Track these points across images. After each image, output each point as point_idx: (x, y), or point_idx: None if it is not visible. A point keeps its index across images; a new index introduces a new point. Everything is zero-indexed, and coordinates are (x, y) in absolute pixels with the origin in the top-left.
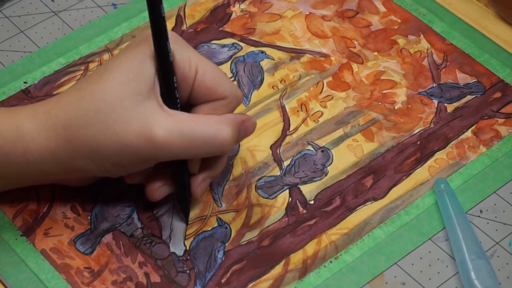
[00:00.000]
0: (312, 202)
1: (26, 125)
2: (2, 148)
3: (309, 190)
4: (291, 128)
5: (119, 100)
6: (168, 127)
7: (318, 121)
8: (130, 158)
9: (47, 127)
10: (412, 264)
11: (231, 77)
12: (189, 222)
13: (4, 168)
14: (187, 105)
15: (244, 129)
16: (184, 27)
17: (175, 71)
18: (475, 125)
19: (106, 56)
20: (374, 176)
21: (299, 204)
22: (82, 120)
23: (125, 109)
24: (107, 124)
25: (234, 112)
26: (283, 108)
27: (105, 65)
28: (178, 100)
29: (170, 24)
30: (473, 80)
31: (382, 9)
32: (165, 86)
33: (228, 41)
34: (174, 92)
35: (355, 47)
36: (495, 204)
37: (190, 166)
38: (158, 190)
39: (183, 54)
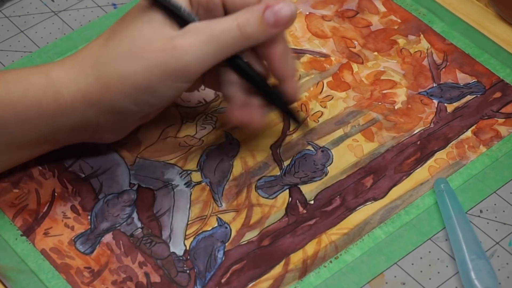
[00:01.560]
0: (312, 202)
1: (55, 71)
2: (34, 97)
3: (309, 190)
4: (291, 128)
5: (138, 29)
6: (187, 36)
7: (318, 121)
8: (160, 78)
9: (76, 69)
10: (412, 264)
11: None
12: (189, 222)
13: (38, 118)
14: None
15: (273, 13)
16: None
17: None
18: (475, 125)
19: None
20: (374, 176)
21: (299, 204)
22: (108, 55)
23: (144, 35)
24: (132, 52)
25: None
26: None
27: (125, 14)
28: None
29: None
30: (473, 80)
31: (382, 9)
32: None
33: None
34: (183, 12)
35: (355, 47)
36: (495, 204)
37: (256, 72)
38: (261, 111)
39: None
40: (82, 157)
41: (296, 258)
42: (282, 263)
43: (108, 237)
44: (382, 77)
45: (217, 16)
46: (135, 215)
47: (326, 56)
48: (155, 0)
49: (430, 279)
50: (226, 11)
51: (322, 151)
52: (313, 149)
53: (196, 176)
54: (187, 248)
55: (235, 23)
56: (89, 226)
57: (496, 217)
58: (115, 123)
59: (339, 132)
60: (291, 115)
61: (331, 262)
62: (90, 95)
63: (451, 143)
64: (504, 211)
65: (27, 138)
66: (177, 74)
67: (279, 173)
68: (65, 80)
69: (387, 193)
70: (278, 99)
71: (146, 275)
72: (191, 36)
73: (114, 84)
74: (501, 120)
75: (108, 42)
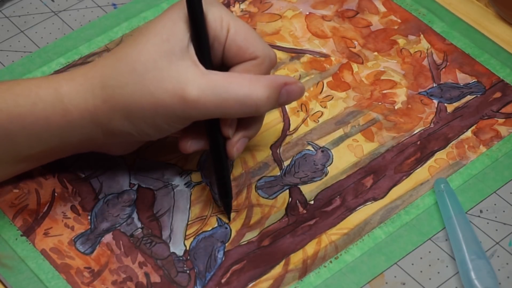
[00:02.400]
0: (312, 202)
1: (64, 88)
2: (43, 112)
3: (309, 190)
4: (291, 128)
5: (153, 60)
6: (201, 85)
7: (318, 121)
8: (165, 118)
9: (85, 88)
10: (412, 264)
11: None
12: (189, 222)
13: (46, 132)
14: (221, 68)
15: (287, 93)
16: None
17: (208, 30)
18: (475, 125)
19: None
20: (374, 176)
21: (299, 204)
22: (118, 80)
23: (159, 69)
24: (142, 83)
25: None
26: (283, 108)
27: (139, 29)
28: (211, 60)
29: None
30: (473, 80)
31: (382, 9)
32: (199, 46)
33: None
34: (207, 51)
35: (355, 47)
36: (495, 204)
37: (223, 129)
38: (190, 142)
39: (215, 14)
40: (82, 157)
41: (296, 258)
42: (282, 263)
43: (108, 237)
44: (382, 77)
45: (214, 54)
46: (135, 215)
47: (326, 56)
48: (192, 15)
49: (430, 279)
50: (223, 53)
51: (322, 151)
52: (313, 149)
53: (196, 176)
54: (187, 248)
55: (254, 98)
56: (89, 226)
57: (496, 217)
58: (122, 142)
59: (339, 132)
60: (224, 206)
61: (331, 262)
62: (96, 116)
63: (451, 143)
64: (504, 211)
65: (34, 150)
66: (182, 119)
67: (279, 173)
68: (74, 98)
69: (387, 193)
70: (223, 180)
71: (146, 275)
72: (206, 92)
73: (119, 110)
74: (501, 120)
75: (119, 64)
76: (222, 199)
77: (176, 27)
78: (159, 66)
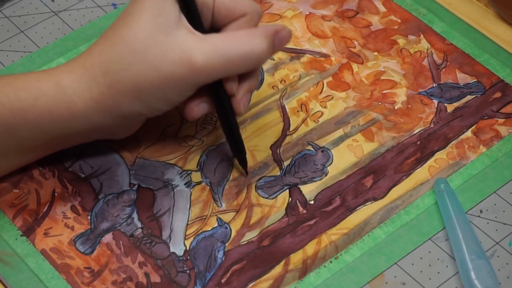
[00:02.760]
0: (312, 202)
1: (65, 81)
2: (46, 105)
3: (309, 190)
4: (291, 128)
5: (151, 36)
6: (205, 50)
7: (318, 121)
8: (175, 89)
9: (86, 78)
10: (412, 264)
11: None
12: (189, 222)
13: (49, 125)
14: (212, 31)
15: (279, 39)
16: None
17: None
18: (475, 125)
19: None
20: (374, 176)
21: (299, 204)
22: (120, 63)
23: (159, 43)
24: (146, 61)
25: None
26: (283, 108)
27: (126, 10)
28: (204, 27)
29: None
30: (473, 80)
31: (382, 9)
32: (189, 14)
33: None
34: (198, 18)
35: (355, 47)
36: (495, 204)
37: (227, 87)
38: (196, 107)
39: None
40: (82, 157)
41: (296, 258)
42: (282, 263)
43: (108, 237)
44: (382, 77)
45: (204, 19)
46: (135, 215)
47: (326, 56)
48: None
49: (430, 279)
50: (213, 16)
51: (322, 151)
52: (313, 149)
53: (196, 176)
54: (187, 248)
55: (257, 50)
56: (89, 226)
57: (496, 217)
58: (127, 124)
59: (339, 132)
60: (237, 154)
61: (331, 262)
62: (103, 103)
63: (451, 143)
64: (504, 211)
65: (38, 142)
66: (190, 85)
67: (279, 173)
68: (77, 89)
69: (387, 193)
70: (235, 134)
71: (146, 275)
72: (210, 55)
73: (128, 93)
74: (501, 120)
75: (117, 48)
76: (237, 156)
77: (165, 1)
78: (158, 41)
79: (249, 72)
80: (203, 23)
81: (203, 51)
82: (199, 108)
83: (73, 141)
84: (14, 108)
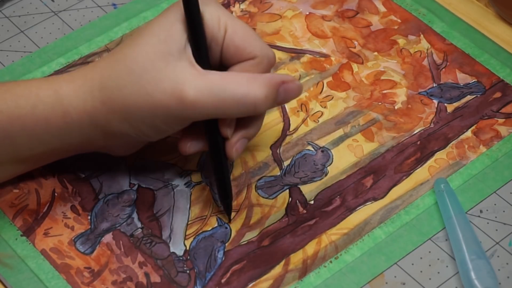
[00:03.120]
0: (312, 202)
1: (64, 89)
2: (43, 113)
3: (309, 190)
4: (291, 128)
5: (150, 61)
6: (199, 86)
7: (318, 121)
8: (163, 119)
9: (84, 89)
10: (412, 264)
11: None
12: (189, 222)
13: (46, 134)
14: (220, 67)
15: (285, 91)
16: None
17: (206, 30)
18: (475, 125)
19: None
20: (374, 176)
21: (299, 204)
22: (116, 82)
23: (156, 70)
24: (139, 84)
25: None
26: (283, 108)
27: (137, 30)
28: (209, 60)
29: None
30: (473, 80)
31: (382, 9)
32: (196, 46)
33: None
34: (205, 52)
35: (355, 47)
36: (495, 204)
37: (222, 129)
38: (190, 143)
39: (213, 13)
40: (82, 157)
41: (296, 258)
42: (282, 263)
43: (108, 237)
44: (382, 77)
45: (212, 54)
46: (135, 215)
47: (326, 56)
48: (189, 16)
49: (430, 279)
50: (221, 53)
51: (322, 151)
52: (313, 149)
53: (196, 176)
54: (187, 248)
55: (252, 97)
56: (89, 226)
57: (496, 217)
58: (122, 143)
59: (339, 132)
60: (224, 204)
61: (331, 262)
62: (95, 118)
63: (451, 143)
64: (504, 211)
65: (35, 151)
66: (180, 119)
67: (279, 173)
68: (73, 100)
69: (387, 193)
70: (223, 178)
71: (146, 275)
72: (203, 92)
73: (118, 111)
74: (501, 120)
75: (117, 66)
76: (223, 200)
77: (173, 28)
78: (156, 67)
79: (250, 119)
80: (210, 58)
81: (196, 86)
82: (192, 145)
83: (69, 152)
84: (12, 115)
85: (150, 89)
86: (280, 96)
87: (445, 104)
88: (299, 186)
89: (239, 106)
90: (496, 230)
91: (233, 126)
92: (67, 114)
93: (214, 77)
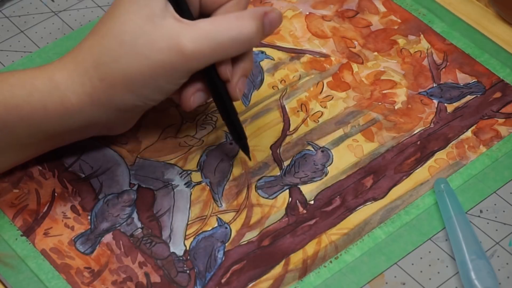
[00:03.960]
0: (312, 202)
1: (57, 76)
2: (40, 102)
3: (309, 190)
4: (291, 128)
5: (138, 27)
6: (193, 36)
7: (318, 121)
8: (166, 77)
9: (78, 72)
10: (412, 264)
11: None
12: (189, 222)
13: (44, 121)
14: (201, 17)
15: (269, 21)
16: None
17: None
18: (475, 125)
19: None
20: (374, 176)
21: (299, 204)
22: (109, 56)
23: (146, 33)
24: (135, 51)
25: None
26: (283, 108)
27: (113, 3)
28: (190, 12)
29: None
30: (473, 80)
31: (382, 9)
32: (175, 2)
33: None
34: (185, 5)
35: (355, 47)
36: (495, 204)
37: (221, 73)
38: (192, 96)
39: None
40: (82, 157)
41: (296, 258)
42: (282, 263)
43: (108, 237)
44: (382, 77)
45: (191, 6)
46: (135, 215)
47: (326, 56)
48: None
49: (430, 279)
50: (201, 2)
51: (322, 151)
52: (313, 149)
53: (196, 176)
54: (187, 248)
55: (245, 32)
56: (89, 226)
57: (496, 217)
58: (123, 118)
59: (339, 132)
60: (235, 134)
61: (331, 262)
62: (97, 97)
63: (451, 143)
64: (504, 211)
65: (34, 139)
66: (182, 73)
67: (279, 173)
68: (70, 84)
69: (387, 193)
70: (232, 115)
71: (146, 275)
72: (200, 40)
73: (119, 84)
74: (501, 120)
75: (106, 41)
76: (238, 142)
77: None
78: (146, 30)
79: (242, 56)
80: (191, 10)
81: (191, 36)
82: (195, 97)
83: (70, 138)
84: (9, 105)
85: (147, 51)
86: (266, 27)
87: (445, 104)
88: (299, 186)
89: (235, 44)
90: (496, 230)
91: (230, 68)
92: (66, 99)
93: (205, 24)
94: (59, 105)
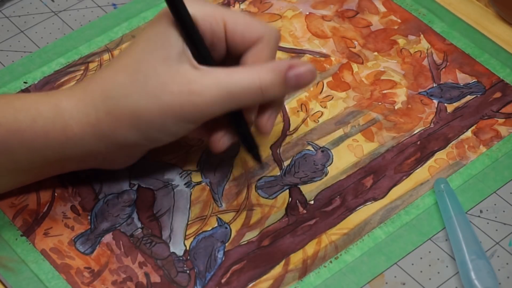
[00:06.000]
0: (312, 202)
1: (64, 103)
2: (42, 128)
3: (309, 190)
4: (291, 128)
5: (152, 67)
6: (205, 83)
7: (318, 121)
8: (174, 120)
9: (85, 103)
10: (412, 264)
11: None
12: (189, 222)
13: (45, 149)
14: (230, 61)
15: (295, 76)
16: None
17: (203, 29)
18: (475, 125)
19: (106, 56)
20: (374, 176)
21: (299, 204)
22: (120, 91)
23: (160, 75)
24: (145, 91)
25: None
26: (283, 109)
27: (133, 40)
28: (211, 57)
29: None
30: (473, 80)
31: (382, 9)
32: (193, 46)
33: None
34: (205, 51)
35: (355, 47)
36: (495, 204)
37: (246, 117)
38: (221, 139)
39: (206, 12)
40: None
41: (296, 258)
42: (282, 263)
43: (108, 237)
44: (382, 77)
45: (217, 49)
46: (135, 215)
47: (326, 56)
48: (179, 21)
49: (430, 279)
50: (228, 45)
51: (322, 151)
52: (313, 149)
53: (196, 176)
54: (187, 248)
55: (258, 84)
56: (89, 226)
57: (496, 217)
58: (124, 154)
59: (339, 132)
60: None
61: (331, 262)
62: (100, 129)
63: (451, 143)
64: (504, 211)
65: (34, 165)
66: (191, 118)
67: (279, 173)
68: (74, 113)
69: (387, 193)
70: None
71: (146, 275)
72: (210, 87)
73: (125, 119)
74: (501, 120)
75: (119, 76)
76: (249, 151)
77: (168, 33)
78: (160, 72)
79: (270, 102)
80: (212, 53)
81: (203, 84)
82: (224, 140)
83: (70, 166)
84: (11, 128)
85: (158, 92)
86: (291, 81)
87: (445, 104)
88: (299, 186)
89: (247, 94)
90: (496, 230)
91: (255, 112)
92: (68, 128)
93: (219, 72)
94: (61, 132)
